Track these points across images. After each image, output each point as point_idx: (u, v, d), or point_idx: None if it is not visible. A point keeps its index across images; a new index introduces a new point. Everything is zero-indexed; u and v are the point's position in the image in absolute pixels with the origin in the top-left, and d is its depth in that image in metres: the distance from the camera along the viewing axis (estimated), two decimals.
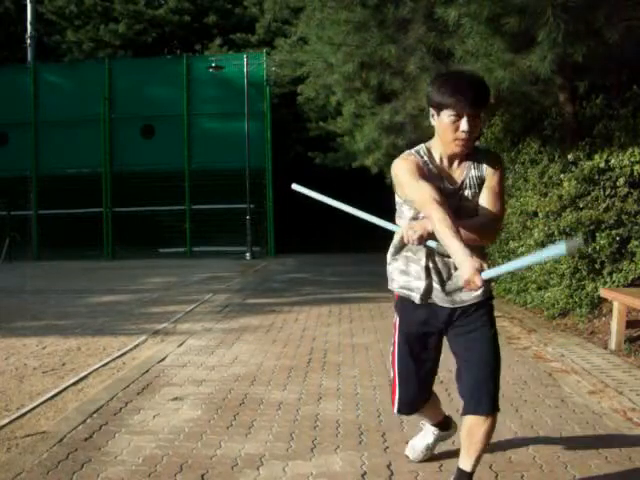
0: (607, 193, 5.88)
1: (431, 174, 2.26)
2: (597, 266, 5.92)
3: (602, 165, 5.90)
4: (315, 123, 16.92)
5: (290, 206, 19.43)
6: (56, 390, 4.03)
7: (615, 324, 4.97)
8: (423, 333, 2.41)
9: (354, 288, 9.48)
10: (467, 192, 2.28)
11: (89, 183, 18.79)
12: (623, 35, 5.06)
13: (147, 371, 4.49)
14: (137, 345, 5.51)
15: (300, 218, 19.16)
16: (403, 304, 2.43)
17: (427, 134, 10.25)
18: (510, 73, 5.58)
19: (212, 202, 18.47)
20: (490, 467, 2.71)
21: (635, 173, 5.69)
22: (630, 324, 5.12)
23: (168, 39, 24.01)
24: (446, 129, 2.19)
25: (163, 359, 4.88)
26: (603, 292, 5.36)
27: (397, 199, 2.45)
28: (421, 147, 2.36)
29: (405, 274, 2.39)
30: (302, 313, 7.16)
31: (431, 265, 2.32)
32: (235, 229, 18.22)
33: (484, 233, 2.25)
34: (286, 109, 19.86)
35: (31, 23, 20.79)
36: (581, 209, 5.95)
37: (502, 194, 2.30)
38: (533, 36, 5.20)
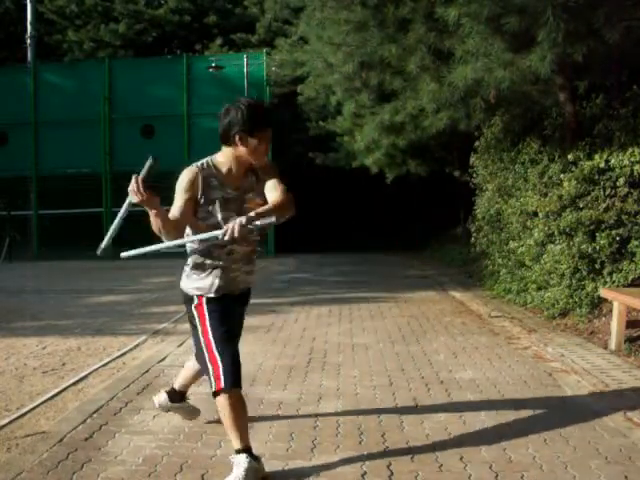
0: (607, 193, 5.88)
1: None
2: (597, 266, 5.92)
3: (602, 165, 5.90)
4: (315, 123, 16.92)
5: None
6: (56, 390, 4.03)
7: (615, 324, 4.97)
8: None
9: (354, 288, 9.48)
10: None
11: (89, 183, 18.77)
12: (623, 35, 5.07)
13: (147, 371, 4.49)
14: (137, 345, 5.51)
15: (300, 218, 19.15)
16: None
17: (427, 134, 10.20)
18: (510, 73, 5.58)
19: None
20: (490, 467, 2.71)
21: (635, 173, 5.69)
22: (630, 324, 5.12)
23: (168, 39, 23.99)
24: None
25: (163, 359, 4.87)
26: (603, 292, 5.36)
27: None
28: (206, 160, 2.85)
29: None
30: (302, 313, 7.16)
31: None
32: None
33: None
34: (286, 109, 19.86)
35: (31, 23, 20.76)
36: (581, 209, 5.95)
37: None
38: (533, 36, 5.20)
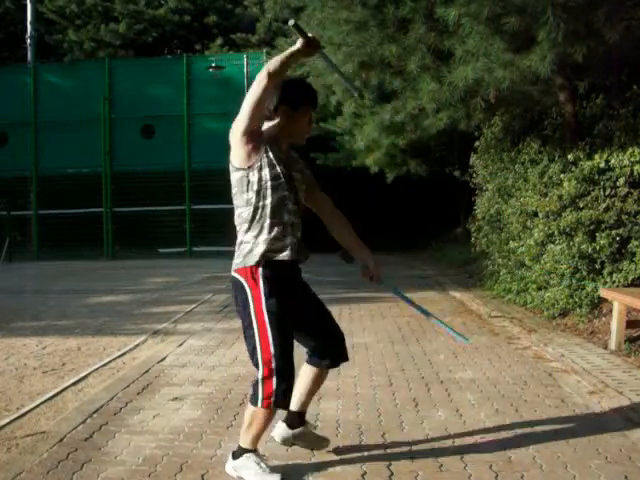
0: (607, 193, 5.88)
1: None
2: (597, 266, 5.92)
3: (602, 165, 5.90)
4: (315, 123, 16.92)
5: None
6: (56, 390, 4.03)
7: (615, 324, 4.97)
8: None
9: (354, 288, 9.47)
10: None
11: (89, 183, 18.76)
12: (623, 35, 5.07)
13: (147, 371, 4.49)
14: (137, 345, 5.51)
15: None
16: None
17: (427, 134, 10.18)
18: (510, 73, 5.58)
19: (212, 202, 18.45)
20: (490, 467, 2.71)
21: (635, 173, 5.69)
22: (630, 324, 5.11)
23: (168, 39, 24.01)
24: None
25: (163, 359, 4.87)
26: (603, 292, 5.36)
27: (240, 175, 2.58)
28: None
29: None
30: None
31: None
32: (235, 229, 18.19)
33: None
34: None
35: (31, 23, 20.76)
36: (581, 209, 5.95)
37: None
38: (533, 36, 5.20)
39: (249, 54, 19.35)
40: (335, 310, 7.29)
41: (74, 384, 4.19)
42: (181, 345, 5.42)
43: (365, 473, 2.68)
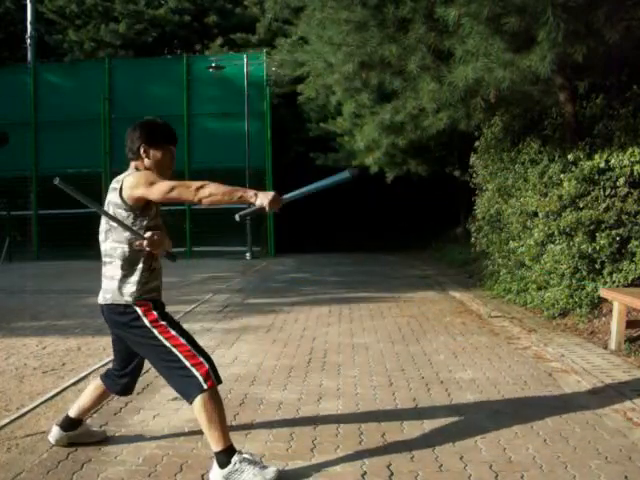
0: (607, 193, 5.88)
1: None
2: (597, 266, 5.92)
3: (602, 165, 5.90)
4: (315, 124, 16.93)
5: (290, 206, 19.43)
6: (56, 390, 4.02)
7: (615, 324, 4.97)
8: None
9: (354, 288, 9.48)
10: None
11: (89, 183, 18.75)
12: (623, 35, 5.07)
13: (147, 371, 4.47)
14: None
15: (300, 218, 19.19)
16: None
17: (427, 134, 10.18)
18: (510, 73, 5.58)
19: None
20: (490, 467, 2.71)
21: (635, 173, 5.69)
22: (630, 324, 5.11)
23: (168, 39, 23.99)
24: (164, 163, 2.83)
25: None
26: (603, 292, 5.36)
27: (125, 213, 2.73)
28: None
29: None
30: (302, 313, 7.16)
31: None
32: (235, 229, 18.20)
33: None
34: (286, 109, 19.85)
35: (31, 23, 20.78)
36: (581, 209, 5.95)
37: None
38: (533, 36, 5.20)
39: (249, 54, 19.35)
40: (335, 310, 7.34)
41: (74, 384, 4.19)
42: None
43: (365, 473, 2.68)
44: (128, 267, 2.72)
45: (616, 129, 6.13)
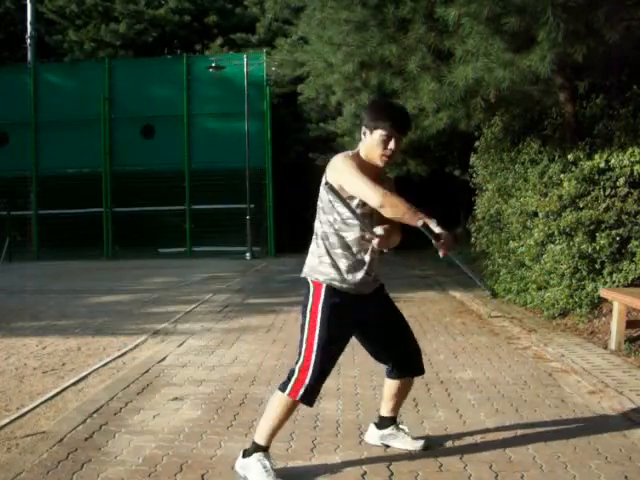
0: (607, 193, 5.88)
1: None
2: (597, 266, 5.92)
3: (602, 165, 5.90)
4: (315, 124, 16.93)
5: (290, 206, 19.45)
6: (56, 390, 4.02)
7: (615, 324, 4.97)
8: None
9: None
10: None
11: (89, 183, 18.79)
12: (623, 35, 5.06)
13: (147, 371, 4.49)
14: (137, 345, 5.51)
15: (300, 218, 19.20)
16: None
17: (427, 134, 10.16)
18: (510, 73, 5.58)
19: (212, 202, 18.46)
20: (490, 467, 2.71)
21: (635, 173, 5.69)
22: (630, 324, 5.11)
23: (168, 39, 24.02)
24: (377, 146, 2.57)
25: (163, 359, 4.87)
26: (603, 292, 5.36)
27: (327, 196, 2.62)
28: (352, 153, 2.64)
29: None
30: None
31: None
32: (235, 229, 18.22)
33: None
34: (286, 109, 19.87)
35: (31, 23, 20.80)
36: (581, 209, 5.95)
37: None
38: (533, 36, 5.19)
39: (249, 54, 19.36)
40: None
41: (74, 384, 4.19)
42: (181, 345, 5.42)
43: (365, 473, 2.68)
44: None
45: (616, 129, 6.13)
